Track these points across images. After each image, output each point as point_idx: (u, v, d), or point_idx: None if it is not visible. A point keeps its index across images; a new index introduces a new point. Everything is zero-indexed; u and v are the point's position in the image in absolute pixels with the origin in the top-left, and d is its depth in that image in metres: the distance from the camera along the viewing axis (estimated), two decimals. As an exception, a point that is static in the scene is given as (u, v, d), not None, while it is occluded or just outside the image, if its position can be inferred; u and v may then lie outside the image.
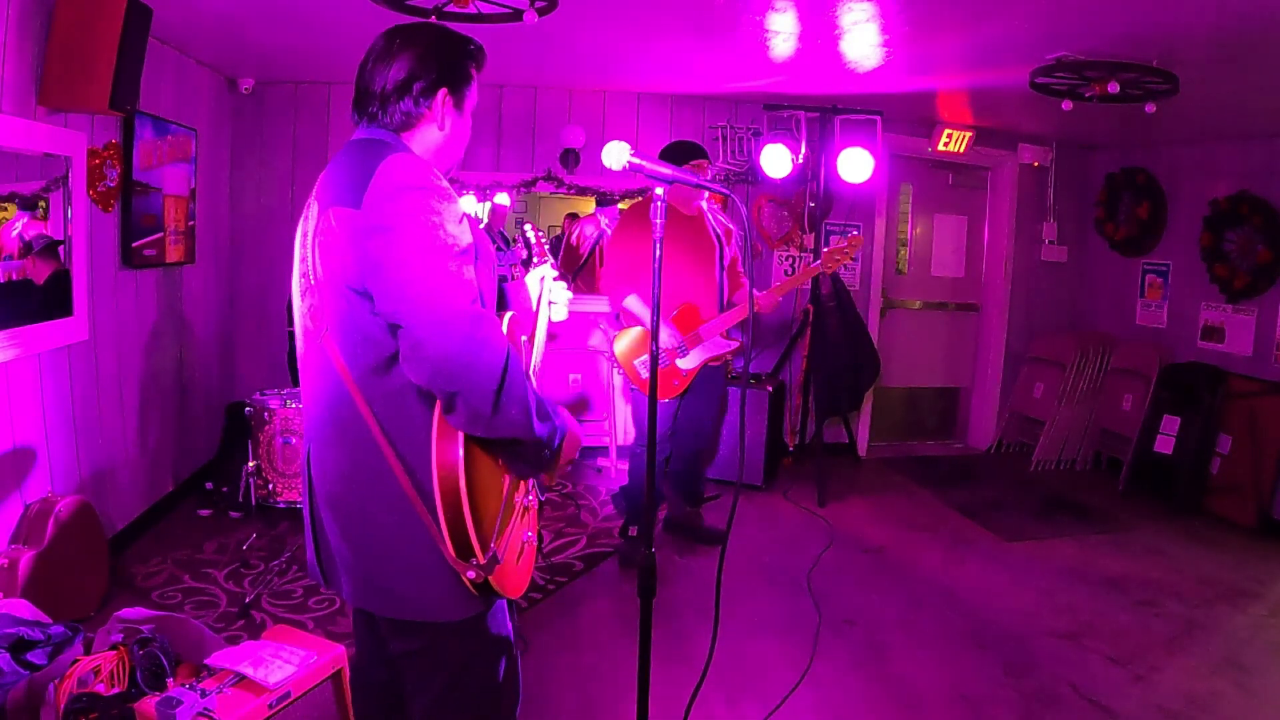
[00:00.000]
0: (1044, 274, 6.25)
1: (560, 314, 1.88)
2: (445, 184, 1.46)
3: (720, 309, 3.75)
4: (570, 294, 1.89)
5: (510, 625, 1.69)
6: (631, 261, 3.63)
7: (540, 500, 1.74)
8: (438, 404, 1.39)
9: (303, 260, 1.54)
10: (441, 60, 1.56)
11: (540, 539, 3.98)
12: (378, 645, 1.70)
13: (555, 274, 1.88)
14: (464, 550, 1.39)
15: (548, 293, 1.85)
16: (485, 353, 1.33)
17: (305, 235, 1.53)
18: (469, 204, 5.28)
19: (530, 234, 2.00)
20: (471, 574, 1.42)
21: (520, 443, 1.44)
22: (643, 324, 3.63)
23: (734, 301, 3.83)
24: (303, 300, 1.55)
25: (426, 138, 1.57)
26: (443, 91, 1.55)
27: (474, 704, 1.62)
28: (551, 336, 1.89)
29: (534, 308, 1.84)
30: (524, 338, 1.74)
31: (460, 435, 1.39)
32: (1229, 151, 5.20)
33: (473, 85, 1.61)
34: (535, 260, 1.93)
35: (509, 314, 1.66)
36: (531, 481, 1.68)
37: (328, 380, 1.49)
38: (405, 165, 1.42)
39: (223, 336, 5.03)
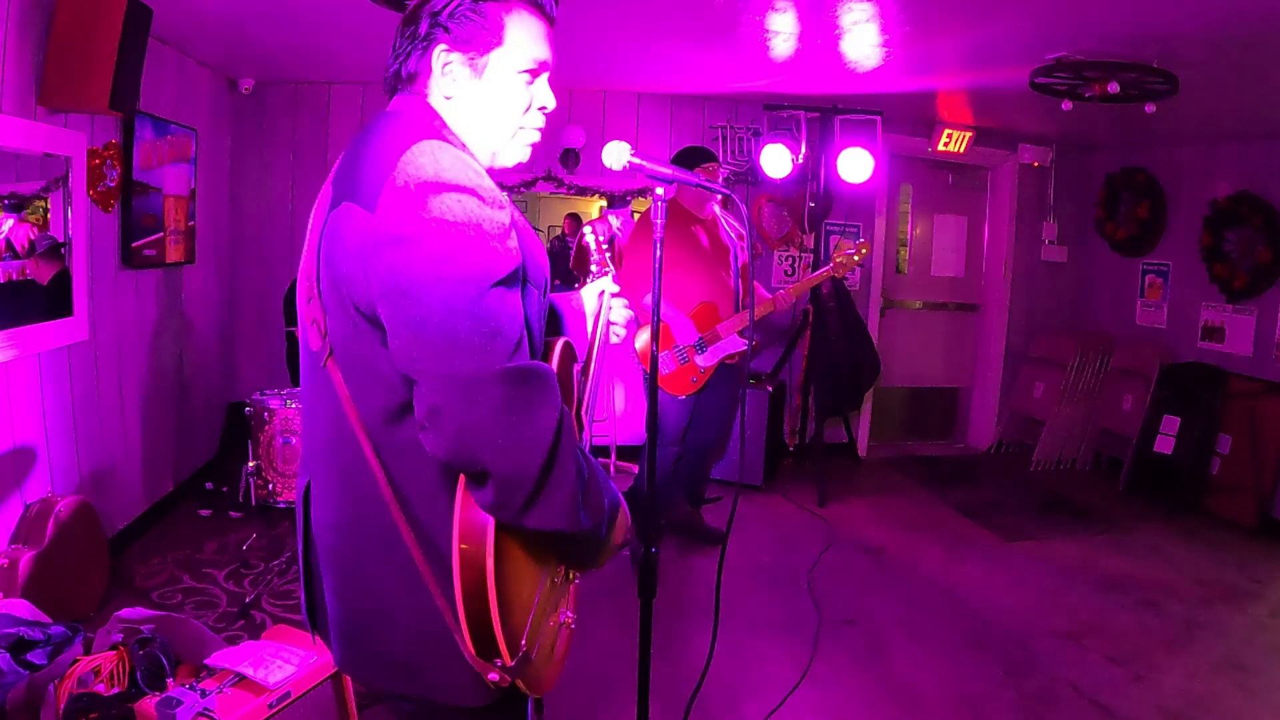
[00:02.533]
0: (1044, 274, 6.25)
1: (620, 334, 1.62)
2: (487, 181, 1.12)
3: (736, 309, 3.78)
4: (630, 312, 1.62)
5: (528, 711, 1.41)
6: (650, 262, 3.67)
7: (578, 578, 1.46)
8: None
9: (308, 259, 1.21)
10: (436, 6, 1.20)
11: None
12: None
13: (617, 288, 1.61)
14: (487, 650, 1.11)
15: (606, 311, 1.56)
16: (527, 427, 1.02)
17: (313, 229, 1.20)
18: None
19: (591, 238, 1.67)
20: (494, 676, 1.14)
21: (561, 532, 1.14)
22: (664, 321, 3.68)
23: (748, 304, 3.87)
24: (306, 306, 1.23)
25: (443, 110, 1.23)
26: (439, 47, 1.20)
27: None
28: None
29: (588, 329, 1.54)
30: (576, 367, 1.48)
31: None
32: (1229, 151, 5.20)
33: (498, 33, 1.20)
34: (595, 271, 1.65)
35: (562, 341, 1.32)
36: None
37: (331, 413, 1.19)
38: (434, 156, 1.09)
39: (223, 336, 5.03)
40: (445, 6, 1.19)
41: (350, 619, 1.24)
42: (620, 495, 1.32)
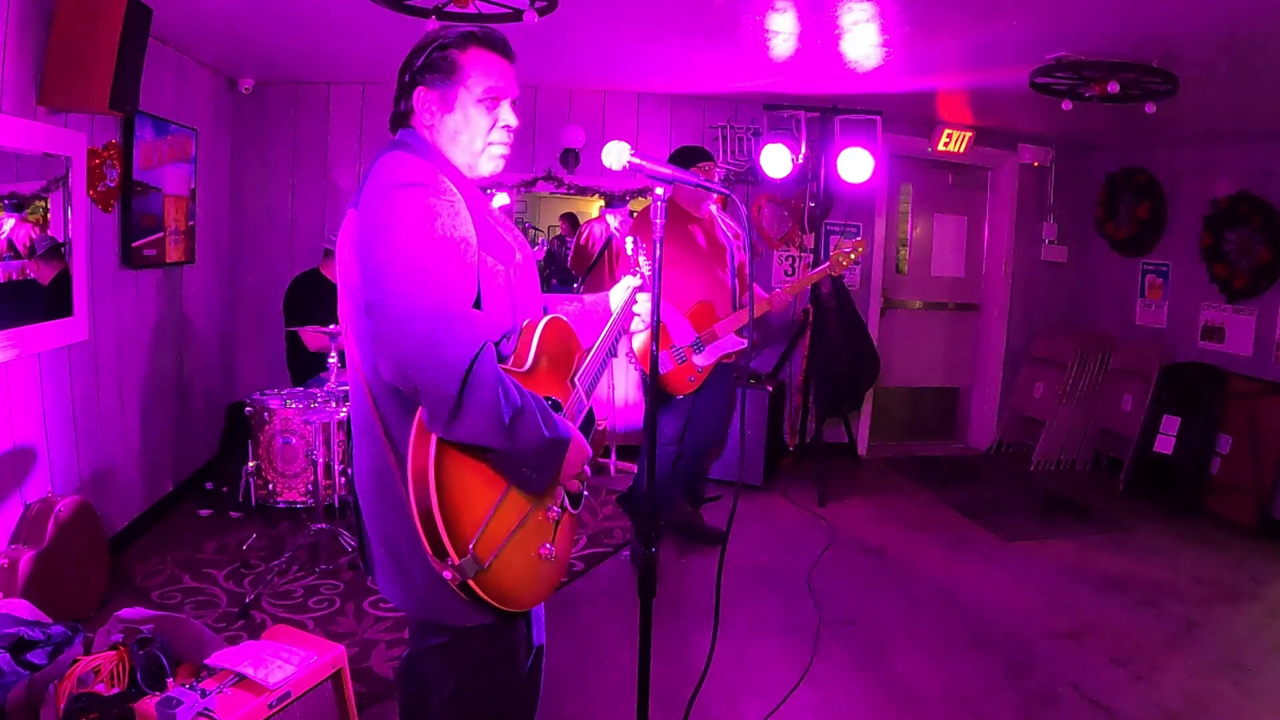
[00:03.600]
0: (1044, 274, 6.25)
1: (647, 320, 1.84)
2: (442, 179, 1.45)
3: (733, 308, 3.78)
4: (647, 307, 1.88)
5: (535, 638, 1.66)
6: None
7: (572, 512, 1.64)
8: None
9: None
10: (412, 56, 1.56)
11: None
12: (412, 638, 1.74)
13: (639, 281, 1.88)
14: (437, 548, 1.37)
15: (630, 303, 1.85)
16: (447, 353, 1.29)
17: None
18: (500, 200, 5.27)
19: (630, 246, 1.98)
20: (447, 574, 1.39)
21: (495, 451, 1.39)
22: (661, 321, 3.68)
23: (745, 303, 3.87)
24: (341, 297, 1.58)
25: (428, 137, 1.57)
26: (418, 91, 1.55)
27: (482, 710, 1.62)
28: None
29: (613, 319, 1.83)
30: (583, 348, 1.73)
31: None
32: (1229, 151, 5.20)
33: (460, 73, 1.53)
34: (619, 258, 1.97)
35: (549, 316, 1.60)
36: (560, 495, 1.59)
37: (355, 379, 1.54)
38: (394, 163, 1.44)
39: (223, 336, 5.03)
40: (419, 58, 1.54)
41: (382, 553, 1.56)
42: (575, 435, 1.53)
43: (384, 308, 1.32)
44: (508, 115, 1.58)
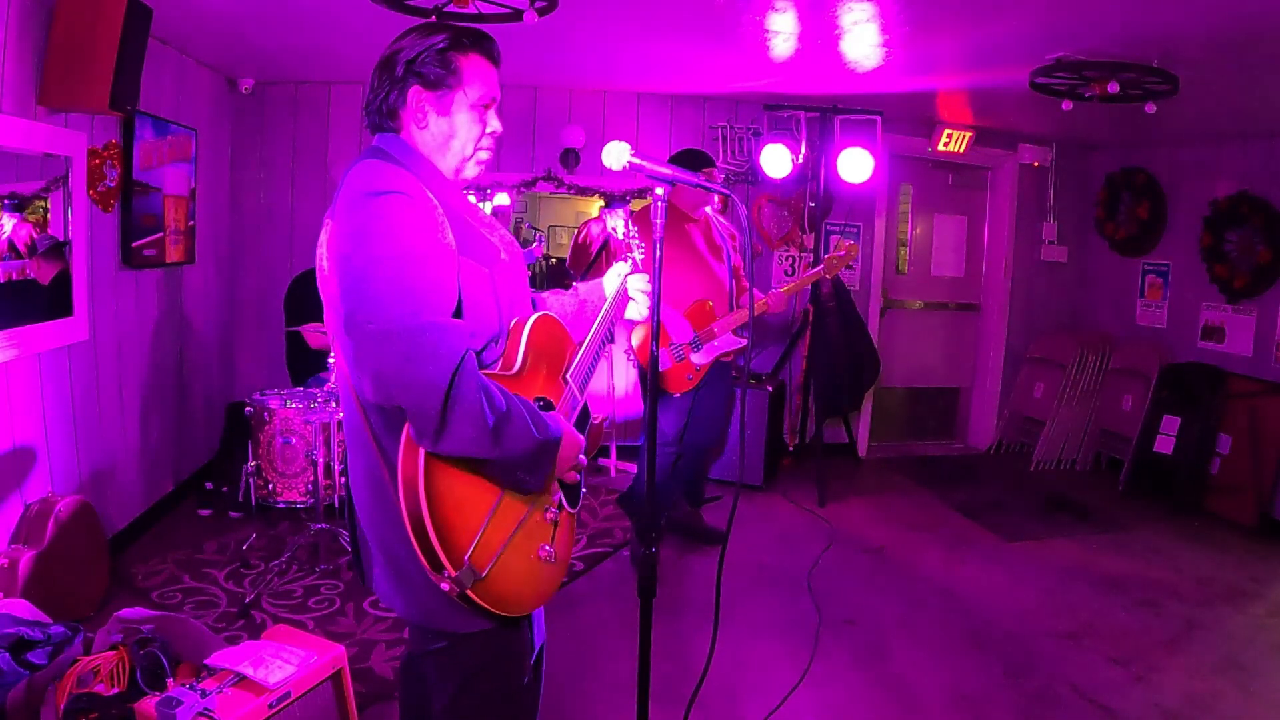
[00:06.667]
0: (1044, 274, 6.25)
1: (642, 310, 1.85)
2: (417, 185, 1.42)
3: (730, 307, 3.78)
4: (649, 285, 1.85)
5: (535, 639, 1.61)
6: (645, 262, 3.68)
7: (570, 511, 1.62)
8: None
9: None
10: (409, 55, 1.50)
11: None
12: (412, 639, 1.71)
13: (630, 268, 1.87)
14: (432, 560, 1.35)
15: (618, 284, 1.83)
16: (427, 371, 1.26)
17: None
18: (500, 200, 5.27)
19: (621, 227, 1.92)
20: (445, 586, 1.37)
21: (485, 459, 1.37)
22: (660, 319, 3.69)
23: (743, 303, 3.88)
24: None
25: (416, 138, 1.54)
26: (414, 89, 1.50)
27: (483, 714, 1.60)
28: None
29: (605, 307, 1.81)
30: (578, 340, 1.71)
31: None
32: (1229, 151, 5.20)
33: (459, 77, 1.51)
34: (616, 256, 1.90)
35: (537, 314, 1.57)
36: (557, 495, 1.57)
37: (345, 388, 1.51)
38: (366, 172, 1.41)
39: (223, 336, 5.03)
40: (418, 55, 1.49)
41: (381, 560, 1.53)
42: (566, 429, 1.51)
43: (360, 324, 1.29)
44: (495, 122, 1.58)
